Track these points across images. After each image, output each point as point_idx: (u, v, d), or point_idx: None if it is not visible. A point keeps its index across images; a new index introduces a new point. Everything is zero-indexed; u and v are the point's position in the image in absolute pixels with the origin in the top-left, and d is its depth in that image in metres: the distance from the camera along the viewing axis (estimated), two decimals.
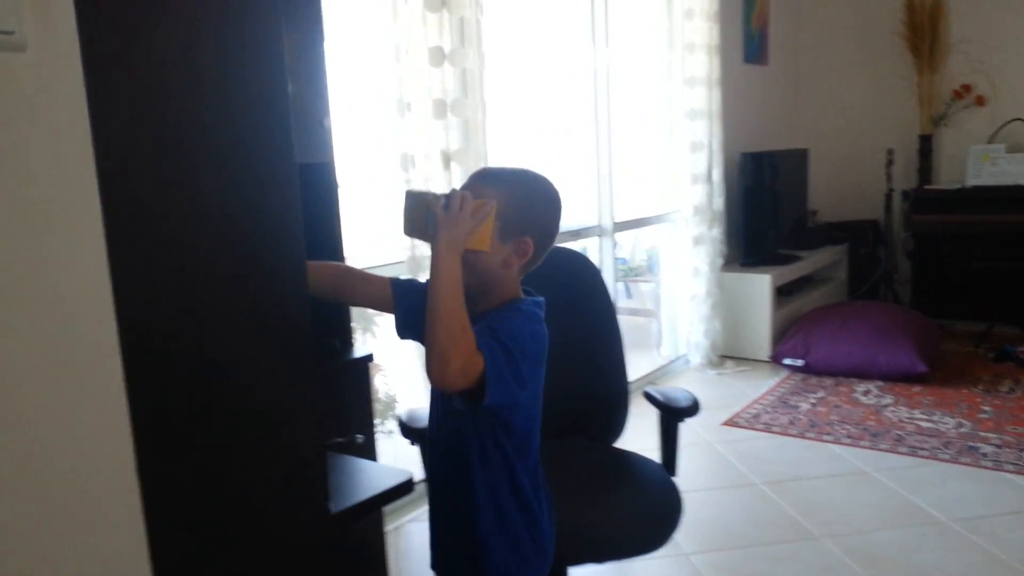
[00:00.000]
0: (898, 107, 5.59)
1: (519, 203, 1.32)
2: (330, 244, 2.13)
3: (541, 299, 1.41)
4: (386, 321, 3.41)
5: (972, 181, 5.09)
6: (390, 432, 3.04)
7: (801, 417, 3.82)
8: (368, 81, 2.84)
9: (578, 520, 1.81)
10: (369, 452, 1.88)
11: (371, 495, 1.43)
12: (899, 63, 5.52)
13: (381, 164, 2.79)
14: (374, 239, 3.14)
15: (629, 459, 2.11)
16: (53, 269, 0.90)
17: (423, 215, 1.29)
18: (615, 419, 2.23)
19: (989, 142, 5.19)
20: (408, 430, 1.83)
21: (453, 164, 2.88)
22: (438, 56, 2.80)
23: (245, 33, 1.15)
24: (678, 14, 4.46)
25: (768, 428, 3.70)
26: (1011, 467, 3.15)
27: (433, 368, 1.21)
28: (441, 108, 2.82)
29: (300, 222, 1.24)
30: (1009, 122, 5.14)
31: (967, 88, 5.32)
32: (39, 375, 0.89)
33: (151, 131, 1.02)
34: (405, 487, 1.50)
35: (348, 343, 2.02)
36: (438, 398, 1.45)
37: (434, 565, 1.53)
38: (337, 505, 1.38)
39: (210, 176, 1.10)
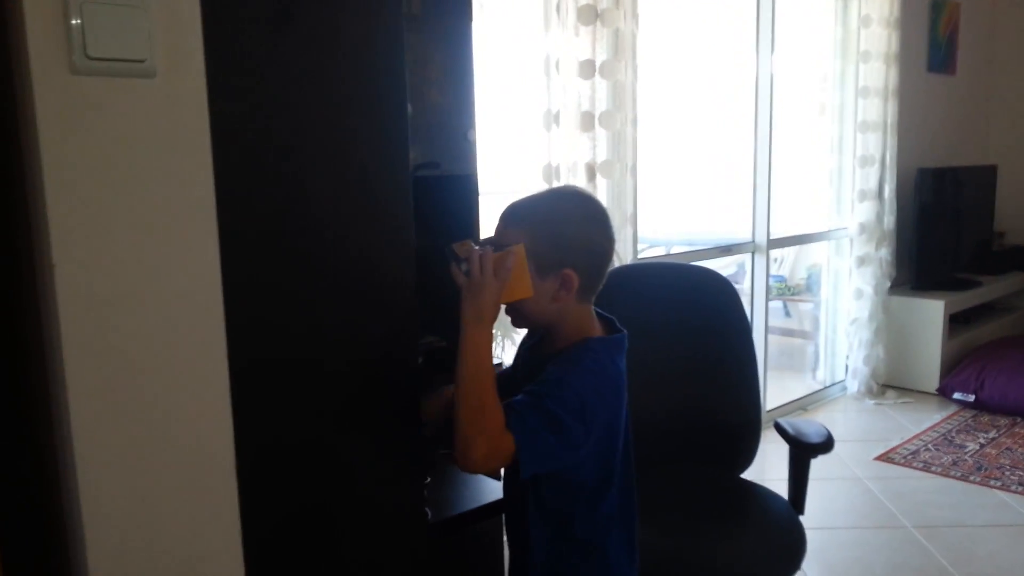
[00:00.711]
0: None
1: (547, 235, 1.24)
2: None
3: (620, 336, 1.33)
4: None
5: None
6: None
7: (967, 458, 3.52)
8: (515, 92, 2.88)
9: (688, 552, 1.76)
10: None
11: (472, 507, 1.46)
12: None
13: (525, 176, 2.82)
14: None
15: (753, 492, 2.02)
16: (171, 275, 0.98)
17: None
18: (744, 448, 2.14)
19: None
20: None
21: (599, 176, 2.87)
22: (588, 69, 2.80)
23: (366, 55, 1.19)
24: (853, 20, 4.23)
25: (927, 467, 3.43)
26: None
27: (457, 455, 1.15)
28: (589, 120, 2.82)
29: (411, 233, 1.27)
30: None
31: None
32: (153, 380, 0.97)
33: (268, 154, 1.09)
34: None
35: None
36: None
37: None
38: (437, 514, 1.42)
39: (325, 195, 1.16)
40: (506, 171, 2.94)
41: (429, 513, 1.35)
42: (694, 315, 2.14)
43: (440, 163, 1.94)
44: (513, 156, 2.90)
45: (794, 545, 1.80)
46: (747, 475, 2.15)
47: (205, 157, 1.00)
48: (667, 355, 2.13)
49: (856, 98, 4.24)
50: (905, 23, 4.29)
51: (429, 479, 1.40)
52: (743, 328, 2.18)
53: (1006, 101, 5.38)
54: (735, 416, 2.14)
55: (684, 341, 2.13)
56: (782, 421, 2.06)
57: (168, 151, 0.97)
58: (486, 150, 2.32)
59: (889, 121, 4.27)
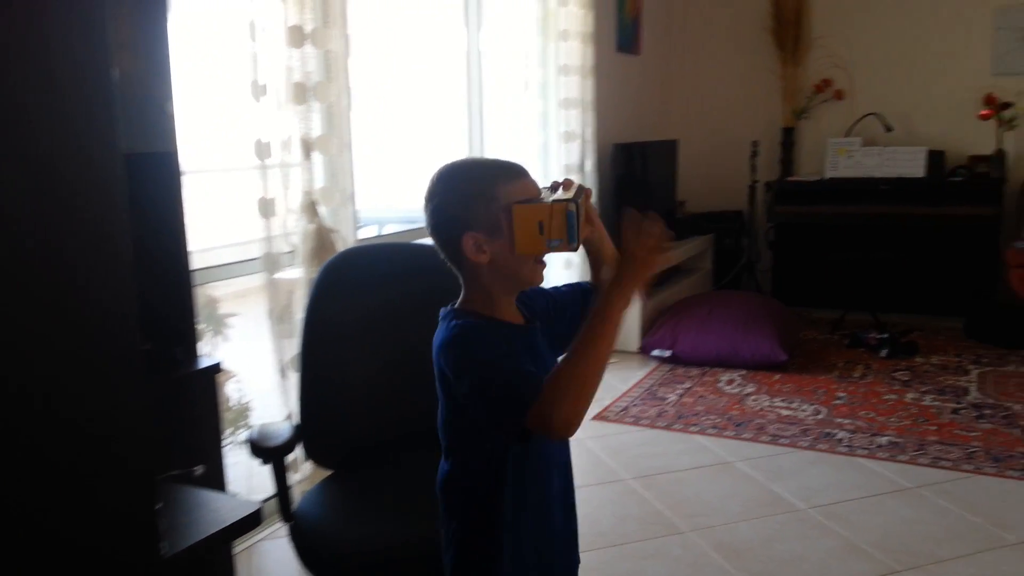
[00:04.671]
0: (764, 100, 5.76)
1: None
2: (172, 237, 1.96)
3: None
4: (240, 322, 3.20)
5: (830, 173, 5.31)
6: (243, 442, 2.85)
7: (668, 409, 3.87)
8: (219, 61, 2.63)
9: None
10: (216, 477, 1.72)
11: (210, 533, 1.30)
12: (766, 57, 5.69)
13: (233, 152, 2.59)
14: (226, 232, 2.91)
15: None
16: None
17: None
18: None
19: (846, 135, 5.42)
20: (259, 450, 1.68)
21: (315, 153, 2.72)
22: (298, 36, 2.62)
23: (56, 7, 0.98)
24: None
25: (637, 421, 3.72)
26: (863, 452, 3.28)
27: (578, 419, 1.14)
28: (301, 92, 2.65)
29: (126, 221, 1.09)
30: (864, 116, 5.37)
31: (827, 82, 5.54)
32: None
33: None
34: (251, 520, 1.38)
35: (192, 352, 1.85)
36: None
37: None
38: (172, 547, 1.24)
39: (10, 173, 0.93)
40: (213, 148, 2.69)
41: (165, 547, 1.17)
42: (417, 296, 2.08)
43: None
44: (220, 131, 2.65)
45: None
46: None
47: None
48: (405, 338, 2.05)
49: (557, 76, 4.43)
50: (597, 3, 4.55)
51: (161, 503, 1.22)
52: None
53: (683, 81, 5.96)
54: None
55: (421, 322, 2.07)
56: None
57: None
58: (188, 125, 2.10)
59: (588, 98, 4.52)
